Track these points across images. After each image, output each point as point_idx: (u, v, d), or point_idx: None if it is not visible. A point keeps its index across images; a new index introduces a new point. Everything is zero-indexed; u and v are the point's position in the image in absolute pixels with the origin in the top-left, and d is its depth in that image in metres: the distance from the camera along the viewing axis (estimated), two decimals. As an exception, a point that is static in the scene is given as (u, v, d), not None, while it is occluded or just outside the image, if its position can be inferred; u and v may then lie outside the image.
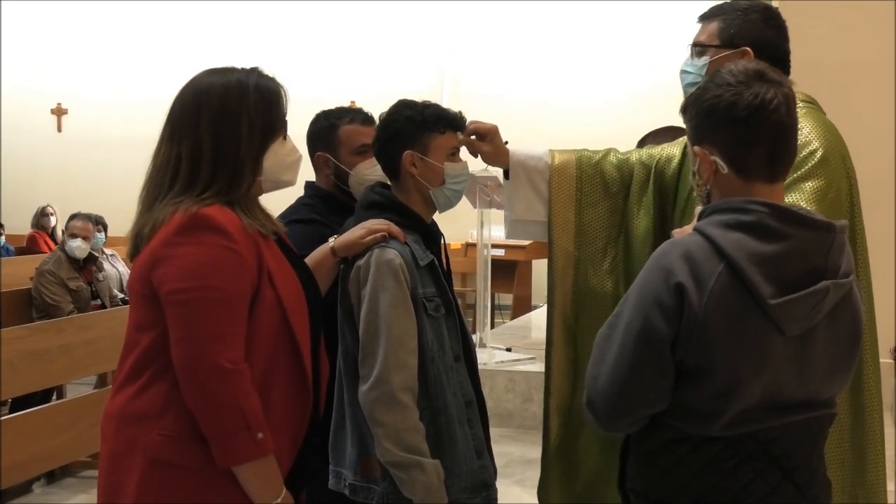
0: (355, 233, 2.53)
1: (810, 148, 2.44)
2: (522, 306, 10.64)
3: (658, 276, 1.87)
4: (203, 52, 12.45)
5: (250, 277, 2.13)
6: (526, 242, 10.71)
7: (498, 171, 8.07)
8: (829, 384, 1.95)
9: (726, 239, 1.83)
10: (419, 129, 2.60)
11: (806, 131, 2.45)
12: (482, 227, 7.52)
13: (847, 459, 2.50)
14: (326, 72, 12.67)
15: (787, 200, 2.36)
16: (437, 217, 2.75)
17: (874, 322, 2.60)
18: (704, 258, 1.83)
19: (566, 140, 11.92)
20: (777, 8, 2.66)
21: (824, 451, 2.03)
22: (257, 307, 2.14)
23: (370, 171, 2.93)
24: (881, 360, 2.62)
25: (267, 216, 2.29)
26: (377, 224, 2.53)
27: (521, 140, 10.93)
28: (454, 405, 2.52)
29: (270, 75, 2.29)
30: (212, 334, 2.06)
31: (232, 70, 2.26)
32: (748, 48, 2.53)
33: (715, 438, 1.87)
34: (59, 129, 14.38)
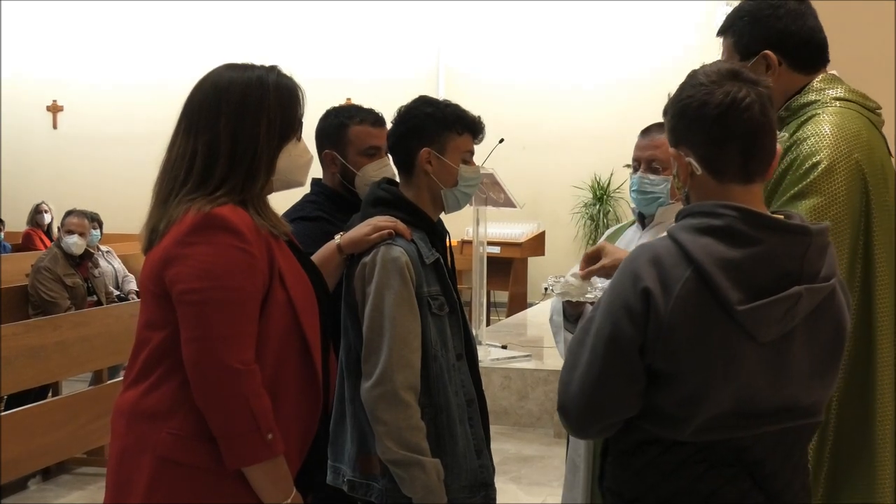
0: (361, 230, 2.52)
1: (813, 160, 2.33)
2: (518, 304, 10.65)
3: (627, 281, 1.85)
4: (200, 49, 12.45)
5: (262, 278, 2.13)
6: (522, 240, 10.73)
7: (494, 169, 8.00)
8: (809, 390, 1.90)
9: (695, 244, 1.80)
10: (438, 127, 2.59)
11: (813, 141, 2.35)
12: (478, 224, 7.52)
13: (843, 463, 2.39)
14: (322, 60, 12.65)
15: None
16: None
17: None
18: (672, 263, 1.81)
19: (562, 128, 11.82)
20: None
21: (805, 461, 1.98)
22: (269, 308, 2.14)
23: (377, 173, 2.93)
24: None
25: (277, 217, 2.27)
26: (383, 221, 2.52)
27: (518, 126, 10.90)
28: (455, 404, 2.52)
29: (289, 74, 2.28)
30: (223, 335, 2.05)
31: (252, 67, 2.24)
32: (767, 51, 2.43)
33: (686, 441, 1.86)
34: (55, 126, 14.36)
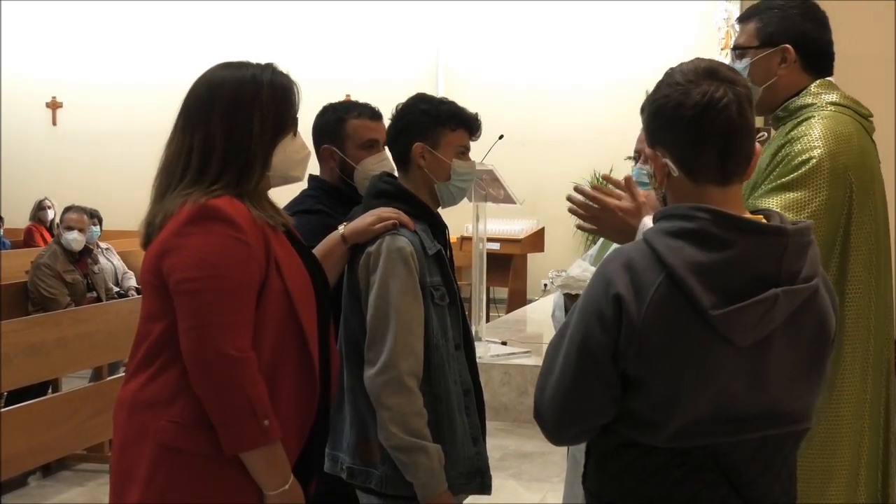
0: (366, 220, 2.58)
1: (803, 157, 2.43)
2: (518, 300, 10.66)
3: (600, 286, 1.82)
4: (199, 48, 12.44)
5: (258, 267, 2.16)
6: (521, 236, 10.73)
7: (494, 166, 7.98)
8: (793, 395, 1.86)
9: (668, 248, 1.77)
10: (432, 122, 2.65)
11: (806, 139, 2.45)
12: (478, 220, 7.52)
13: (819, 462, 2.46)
14: (321, 60, 12.63)
15: (762, 203, 2.36)
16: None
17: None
18: (645, 268, 1.78)
19: (562, 125, 11.78)
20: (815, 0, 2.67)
21: (789, 470, 1.94)
22: (265, 297, 2.17)
23: (376, 166, 2.98)
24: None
25: (275, 208, 2.32)
26: (387, 212, 2.58)
27: (518, 123, 10.86)
28: (455, 393, 2.58)
29: (284, 72, 2.32)
30: (219, 323, 2.09)
31: (247, 65, 2.29)
32: (788, 45, 2.55)
33: (663, 446, 1.82)
34: (54, 123, 14.35)
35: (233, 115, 2.21)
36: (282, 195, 2.60)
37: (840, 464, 2.47)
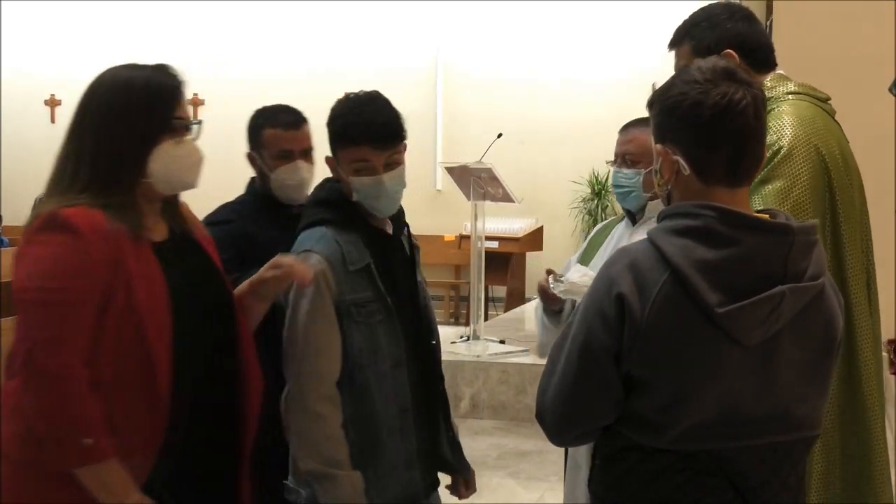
0: (265, 273, 2.37)
1: (774, 148, 2.42)
2: (516, 299, 10.66)
3: (603, 287, 1.81)
4: (198, 46, 12.42)
5: (99, 280, 2.05)
6: (520, 235, 10.74)
7: (492, 164, 8.00)
8: (801, 396, 1.85)
9: (672, 246, 1.76)
10: (332, 137, 2.50)
11: (774, 129, 2.44)
12: (476, 219, 7.52)
13: (848, 459, 2.45)
14: (321, 56, 12.61)
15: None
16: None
17: (878, 319, 2.56)
18: (649, 267, 1.77)
19: (561, 123, 11.73)
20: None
21: (796, 478, 1.92)
22: (108, 312, 2.06)
23: (289, 177, 2.88)
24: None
25: (175, 218, 2.23)
26: (287, 263, 2.36)
27: (517, 121, 10.80)
28: (385, 414, 2.45)
29: (173, 73, 2.23)
30: (42, 338, 2.01)
31: (131, 67, 2.23)
32: (729, 50, 2.52)
33: (668, 449, 1.81)
34: (53, 121, 14.34)
35: (102, 120, 2.13)
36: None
37: (874, 459, 2.47)
